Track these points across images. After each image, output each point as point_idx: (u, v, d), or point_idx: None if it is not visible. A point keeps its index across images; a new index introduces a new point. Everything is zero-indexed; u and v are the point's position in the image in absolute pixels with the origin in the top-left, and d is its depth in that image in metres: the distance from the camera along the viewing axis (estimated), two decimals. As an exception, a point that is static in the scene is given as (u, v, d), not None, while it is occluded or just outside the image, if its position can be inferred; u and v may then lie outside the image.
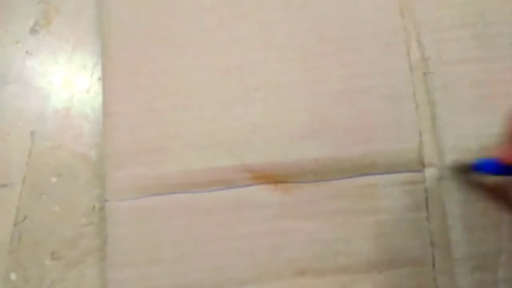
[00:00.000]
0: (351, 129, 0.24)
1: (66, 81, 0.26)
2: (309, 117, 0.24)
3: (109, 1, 0.26)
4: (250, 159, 0.23)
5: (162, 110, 0.25)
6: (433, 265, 0.23)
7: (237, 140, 0.24)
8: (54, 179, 0.25)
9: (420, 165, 0.24)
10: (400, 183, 0.23)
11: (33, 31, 0.27)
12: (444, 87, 0.25)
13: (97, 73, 0.26)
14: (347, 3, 0.26)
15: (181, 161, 0.24)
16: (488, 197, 0.24)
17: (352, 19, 0.26)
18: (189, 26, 0.26)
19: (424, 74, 0.25)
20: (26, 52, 0.27)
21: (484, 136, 0.24)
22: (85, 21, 0.27)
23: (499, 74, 0.25)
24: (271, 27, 0.26)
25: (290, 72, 0.25)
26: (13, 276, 0.23)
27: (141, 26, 0.26)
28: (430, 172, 0.24)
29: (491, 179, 0.23)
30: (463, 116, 0.25)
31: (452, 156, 0.24)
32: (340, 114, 0.24)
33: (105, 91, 0.25)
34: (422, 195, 0.23)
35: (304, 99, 0.24)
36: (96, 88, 0.26)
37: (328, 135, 0.24)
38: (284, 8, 0.26)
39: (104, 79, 0.25)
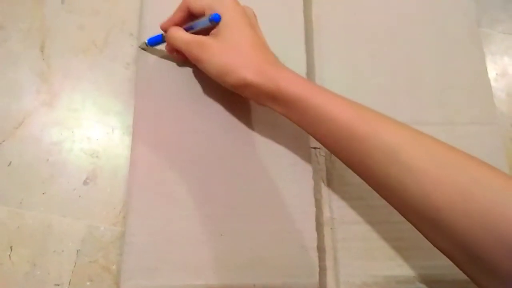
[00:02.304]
0: (274, 267, 0.37)
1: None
2: (251, 255, 0.37)
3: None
4: (211, 280, 0.37)
5: (168, 240, 0.38)
6: None
7: (205, 266, 0.37)
8: (88, 283, 0.39)
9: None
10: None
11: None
12: (343, 239, 0.39)
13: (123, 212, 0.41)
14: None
15: (172, 278, 0.37)
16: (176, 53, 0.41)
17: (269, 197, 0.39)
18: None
19: (331, 228, 0.39)
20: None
21: (366, 276, 0.37)
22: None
23: (381, 233, 0.38)
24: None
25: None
26: None
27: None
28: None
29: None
30: (354, 261, 0.38)
31: (345, 287, 0.37)
32: (267, 252, 0.37)
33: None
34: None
35: (246, 242, 0.38)
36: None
37: (262, 268, 0.37)
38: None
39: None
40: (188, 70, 0.43)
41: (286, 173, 0.39)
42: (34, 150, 0.42)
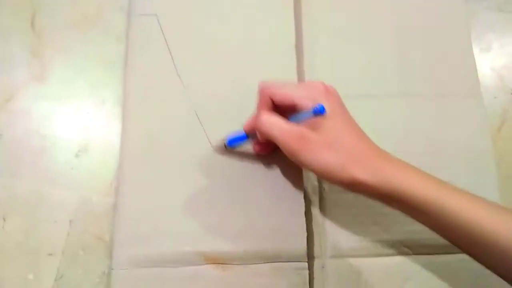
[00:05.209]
0: (264, 234, 0.38)
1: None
2: (242, 223, 0.38)
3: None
4: (203, 247, 0.38)
5: (160, 208, 0.39)
6: None
7: (197, 234, 0.38)
8: (81, 252, 0.39)
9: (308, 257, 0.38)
10: (293, 268, 0.37)
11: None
12: (330, 206, 0.40)
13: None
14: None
15: (164, 245, 0.38)
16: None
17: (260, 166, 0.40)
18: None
19: (319, 196, 0.40)
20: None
21: (353, 241, 0.39)
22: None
23: (366, 200, 0.39)
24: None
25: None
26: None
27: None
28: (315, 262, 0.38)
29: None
30: (341, 227, 0.39)
31: (332, 251, 0.38)
32: (257, 220, 0.38)
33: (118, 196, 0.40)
34: (307, 278, 0.37)
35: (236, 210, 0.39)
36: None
37: (252, 234, 0.38)
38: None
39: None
40: (178, 44, 0.43)
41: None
42: (25, 123, 0.43)
